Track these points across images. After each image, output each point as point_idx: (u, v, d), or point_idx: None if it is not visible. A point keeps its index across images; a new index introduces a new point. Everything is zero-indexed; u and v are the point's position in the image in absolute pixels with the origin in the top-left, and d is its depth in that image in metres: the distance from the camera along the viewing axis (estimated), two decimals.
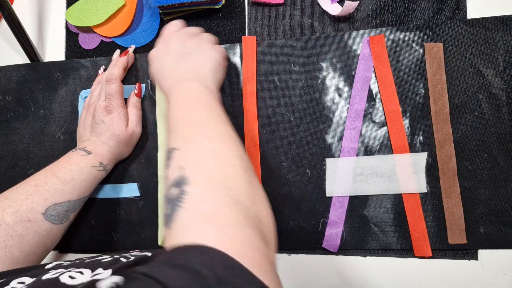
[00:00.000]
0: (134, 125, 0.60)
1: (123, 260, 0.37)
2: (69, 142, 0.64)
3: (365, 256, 0.54)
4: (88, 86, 0.64)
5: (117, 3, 0.64)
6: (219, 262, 0.29)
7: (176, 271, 0.27)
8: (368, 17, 0.58)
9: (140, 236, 0.60)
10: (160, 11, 0.63)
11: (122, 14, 0.64)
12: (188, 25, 0.63)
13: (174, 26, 0.57)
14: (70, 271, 0.34)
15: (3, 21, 0.67)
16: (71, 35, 0.68)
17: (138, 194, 0.61)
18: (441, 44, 0.54)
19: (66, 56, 0.67)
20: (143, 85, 0.63)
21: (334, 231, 0.55)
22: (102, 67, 0.64)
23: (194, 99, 0.47)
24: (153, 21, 0.64)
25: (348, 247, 0.54)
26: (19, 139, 0.66)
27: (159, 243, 0.59)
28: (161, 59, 0.53)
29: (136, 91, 0.62)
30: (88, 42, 0.66)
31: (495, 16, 0.54)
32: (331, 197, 0.55)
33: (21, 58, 0.68)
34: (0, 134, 0.67)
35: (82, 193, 0.54)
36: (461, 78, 0.54)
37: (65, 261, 0.44)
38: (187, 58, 0.52)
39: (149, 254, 0.41)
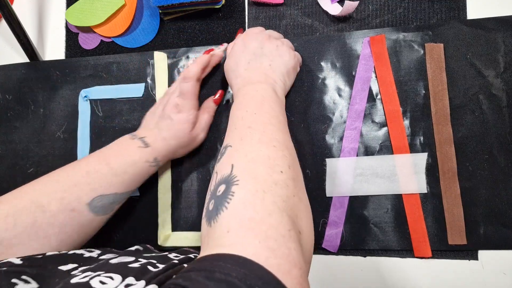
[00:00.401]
0: (200, 130, 0.57)
1: (151, 268, 0.36)
2: (69, 141, 0.64)
3: (365, 256, 0.54)
4: (88, 85, 0.64)
5: (117, 3, 0.64)
6: (259, 279, 0.28)
7: (216, 286, 0.27)
8: (368, 17, 0.58)
9: (140, 236, 0.60)
10: (160, 11, 0.63)
11: (122, 14, 0.64)
12: (188, 25, 0.64)
13: (257, 29, 0.56)
14: (99, 275, 0.33)
15: (3, 21, 0.67)
16: (71, 35, 0.68)
17: (138, 193, 0.61)
18: (442, 45, 0.54)
19: (66, 56, 0.67)
20: (143, 85, 0.63)
21: (334, 232, 0.55)
22: (193, 59, 0.62)
23: (259, 102, 0.46)
24: (153, 21, 0.64)
25: (348, 247, 0.54)
26: (19, 138, 0.66)
27: (159, 243, 0.59)
28: (236, 57, 0.53)
29: (216, 97, 0.59)
30: (88, 42, 0.66)
31: (496, 17, 0.53)
32: (331, 197, 0.55)
33: (21, 58, 0.68)
34: (0, 133, 0.67)
35: (130, 187, 0.52)
36: (462, 78, 0.54)
37: (86, 250, 0.43)
38: (262, 61, 0.52)
39: (172, 256, 0.41)
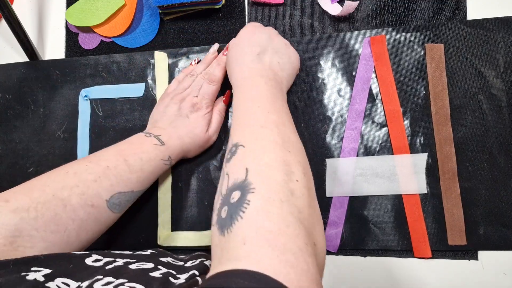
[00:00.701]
0: (213, 131, 0.57)
1: (172, 280, 0.36)
2: (69, 141, 0.64)
3: (365, 256, 0.54)
4: (88, 84, 0.64)
5: (117, 3, 0.64)
6: None
7: None
8: (368, 17, 0.58)
9: (140, 235, 0.60)
10: (160, 11, 0.63)
11: (122, 14, 0.64)
12: (188, 25, 0.64)
13: (258, 24, 0.55)
14: (123, 284, 0.33)
15: (3, 21, 0.67)
16: (71, 35, 0.68)
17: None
18: (442, 45, 0.54)
19: (66, 56, 0.67)
20: (143, 84, 0.63)
21: (334, 231, 0.55)
22: (197, 59, 0.61)
23: (271, 99, 0.45)
24: (153, 21, 0.64)
25: (348, 247, 0.54)
26: (19, 137, 0.66)
27: (159, 242, 0.59)
28: (243, 47, 0.51)
29: (224, 98, 0.59)
30: (88, 42, 0.66)
31: (496, 17, 0.53)
32: (331, 197, 0.55)
33: (21, 58, 0.68)
34: (0, 133, 0.67)
35: (145, 185, 0.52)
36: (462, 79, 0.54)
37: (102, 257, 0.42)
38: (271, 56, 0.51)
39: (188, 265, 0.40)
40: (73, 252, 0.37)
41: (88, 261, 0.36)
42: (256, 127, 0.42)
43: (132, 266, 0.37)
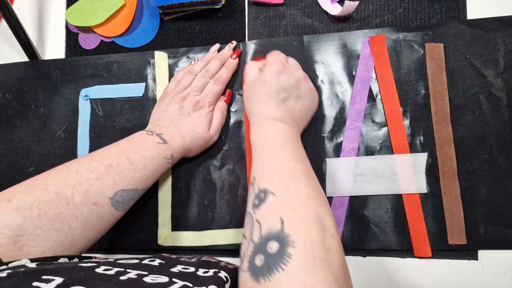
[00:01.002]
0: (215, 130, 0.58)
1: None
2: (69, 141, 0.64)
3: (365, 256, 0.54)
4: (88, 84, 0.64)
5: (117, 3, 0.64)
6: None
7: None
8: (368, 17, 0.58)
9: (140, 235, 0.60)
10: (160, 11, 0.63)
11: (122, 14, 0.64)
12: (188, 25, 0.64)
13: (283, 56, 0.53)
14: None
15: (3, 21, 0.67)
16: (71, 35, 0.68)
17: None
18: (442, 45, 0.54)
19: (66, 56, 0.67)
20: (143, 84, 0.63)
21: None
22: (197, 59, 0.62)
23: (296, 148, 0.46)
24: (153, 21, 0.64)
25: (348, 247, 0.54)
26: (19, 137, 0.66)
27: (159, 242, 0.59)
28: (269, 88, 0.50)
29: (225, 98, 0.59)
30: (88, 42, 0.66)
31: (496, 17, 0.53)
32: (331, 197, 0.55)
33: (21, 58, 0.68)
34: (0, 132, 0.67)
35: (148, 183, 0.52)
36: (462, 78, 0.54)
37: (111, 267, 0.41)
38: (296, 103, 0.51)
39: (201, 274, 0.40)
40: (79, 265, 0.36)
41: (99, 270, 0.36)
42: (285, 175, 0.42)
43: (147, 279, 0.37)
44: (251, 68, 0.55)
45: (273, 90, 0.50)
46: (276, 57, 0.52)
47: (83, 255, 0.45)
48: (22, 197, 0.42)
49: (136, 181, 0.50)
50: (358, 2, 0.56)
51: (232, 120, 0.60)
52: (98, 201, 0.46)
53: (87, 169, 0.47)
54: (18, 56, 0.69)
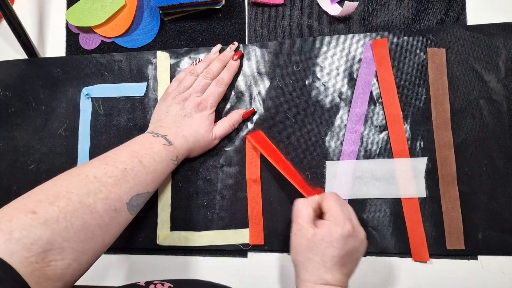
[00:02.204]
0: (217, 136, 0.58)
1: None
2: (70, 139, 0.64)
3: (364, 256, 0.55)
4: (89, 83, 0.64)
5: (118, 4, 0.63)
6: None
7: None
8: (367, 18, 0.58)
9: (139, 235, 0.61)
10: (160, 12, 0.63)
11: (123, 15, 0.64)
12: (188, 26, 0.63)
13: (346, 207, 0.48)
14: None
15: (4, 21, 0.67)
16: (72, 36, 0.67)
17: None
18: (444, 49, 0.54)
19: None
20: (144, 84, 0.63)
21: None
22: (198, 59, 0.61)
23: None
24: (154, 22, 0.64)
25: None
26: (20, 135, 0.66)
27: (158, 242, 0.59)
28: (335, 252, 0.45)
29: (243, 113, 0.59)
30: (88, 42, 0.66)
31: (497, 23, 0.53)
32: None
33: (22, 58, 0.68)
34: (1, 130, 0.67)
35: (157, 185, 0.52)
36: (463, 83, 0.53)
37: None
38: (355, 261, 0.47)
39: None
40: None
41: None
42: None
43: None
44: (305, 210, 0.49)
45: (340, 255, 0.45)
46: (343, 214, 0.46)
47: None
48: (48, 208, 0.40)
49: (148, 184, 0.50)
50: (358, 2, 0.56)
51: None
52: (117, 207, 0.46)
53: (104, 174, 0.46)
54: (19, 56, 0.68)
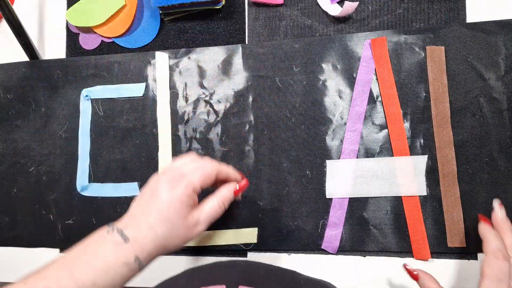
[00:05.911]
0: (200, 217, 0.44)
1: None
2: (70, 141, 0.64)
3: (364, 256, 0.55)
4: (89, 84, 0.64)
5: (118, 4, 0.64)
6: None
7: None
8: (367, 18, 0.58)
9: None
10: (160, 12, 0.63)
11: (123, 15, 0.64)
12: (188, 26, 0.63)
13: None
14: None
15: (4, 22, 0.67)
16: (72, 36, 0.68)
17: (138, 193, 0.61)
18: (443, 47, 0.54)
19: (67, 56, 0.67)
20: (143, 84, 0.63)
21: (333, 233, 0.55)
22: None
23: None
24: (154, 22, 0.64)
25: (347, 248, 0.55)
26: (21, 137, 0.66)
27: None
28: None
29: (236, 188, 0.48)
30: (88, 43, 0.66)
31: (497, 20, 0.53)
32: (331, 199, 0.55)
33: (22, 59, 0.68)
34: (2, 132, 0.67)
35: None
36: (462, 81, 0.53)
37: None
38: None
39: None
40: None
41: None
42: None
43: None
44: None
45: None
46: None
47: None
48: None
49: None
50: (357, 2, 0.56)
51: (232, 122, 0.60)
52: None
53: None
54: (19, 56, 0.69)
